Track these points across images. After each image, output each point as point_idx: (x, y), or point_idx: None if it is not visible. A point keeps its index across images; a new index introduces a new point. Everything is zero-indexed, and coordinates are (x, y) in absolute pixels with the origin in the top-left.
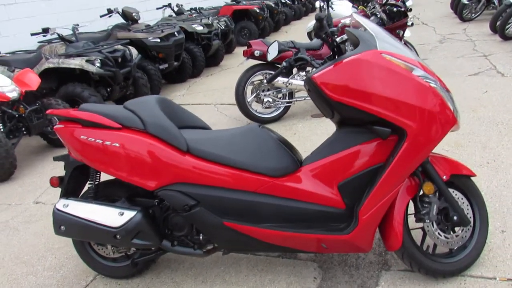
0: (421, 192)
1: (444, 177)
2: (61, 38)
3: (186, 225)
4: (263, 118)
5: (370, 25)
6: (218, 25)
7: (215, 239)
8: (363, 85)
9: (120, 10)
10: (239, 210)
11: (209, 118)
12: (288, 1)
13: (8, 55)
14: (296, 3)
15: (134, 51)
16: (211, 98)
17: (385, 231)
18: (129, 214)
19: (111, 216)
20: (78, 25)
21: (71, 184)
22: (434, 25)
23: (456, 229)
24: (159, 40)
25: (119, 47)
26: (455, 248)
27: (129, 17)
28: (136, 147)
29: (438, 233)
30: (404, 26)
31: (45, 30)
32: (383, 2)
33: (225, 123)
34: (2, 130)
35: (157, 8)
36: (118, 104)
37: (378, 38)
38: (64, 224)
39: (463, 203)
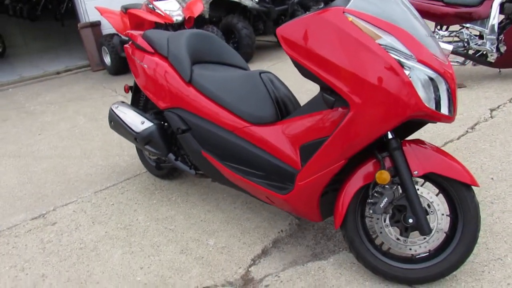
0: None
1: (416, 172)
2: None
3: None
4: None
5: None
6: None
7: (196, 164)
8: (313, 45)
9: None
10: (215, 144)
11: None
12: None
13: None
14: None
15: None
16: None
17: (334, 208)
18: (147, 124)
19: (136, 123)
20: None
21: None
22: None
23: (429, 236)
24: None
25: None
26: (416, 256)
27: None
28: (156, 70)
29: (389, 230)
30: None
31: None
32: None
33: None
34: None
35: None
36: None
37: None
38: (113, 121)
39: (438, 210)
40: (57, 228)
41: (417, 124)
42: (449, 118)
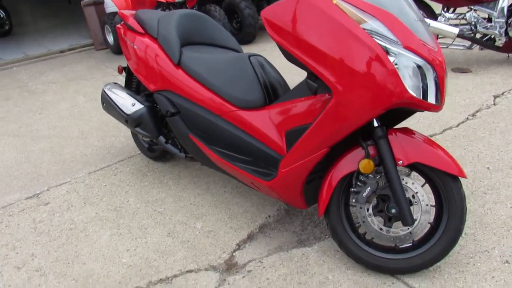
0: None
1: (401, 162)
2: None
3: None
4: None
5: None
6: None
7: (185, 147)
8: (296, 28)
9: None
10: (202, 128)
11: None
12: None
13: None
14: None
15: None
16: None
17: (318, 195)
18: (138, 106)
19: (127, 104)
20: None
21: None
22: None
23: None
24: None
25: None
26: (399, 246)
27: None
28: (146, 51)
29: (371, 220)
30: None
31: None
32: None
33: None
34: None
35: None
36: None
37: None
38: (105, 102)
39: (422, 200)
40: (50, 208)
41: (405, 112)
42: (436, 107)
